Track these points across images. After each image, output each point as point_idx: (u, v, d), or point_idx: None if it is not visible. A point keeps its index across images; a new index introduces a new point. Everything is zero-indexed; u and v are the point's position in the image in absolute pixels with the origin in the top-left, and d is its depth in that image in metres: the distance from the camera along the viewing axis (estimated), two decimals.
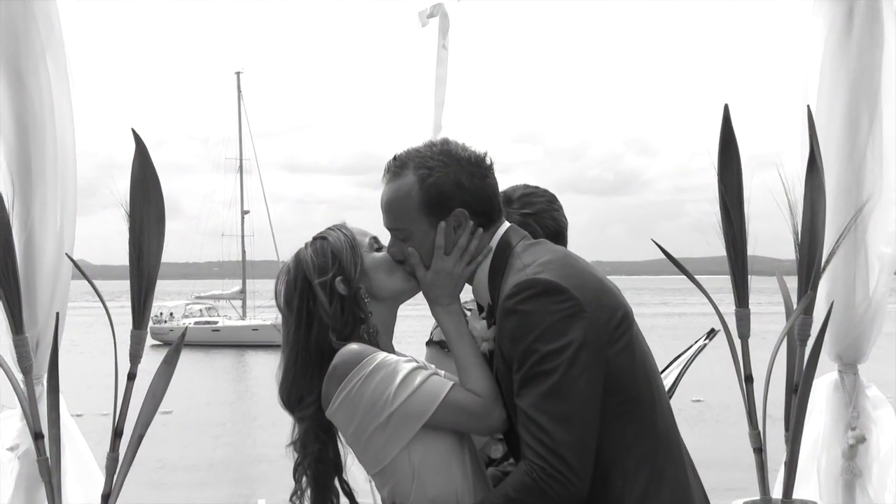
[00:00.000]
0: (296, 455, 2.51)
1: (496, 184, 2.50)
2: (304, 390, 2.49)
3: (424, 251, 2.45)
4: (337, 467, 2.51)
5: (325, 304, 2.47)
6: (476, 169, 2.45)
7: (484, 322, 2.52)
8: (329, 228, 2.59)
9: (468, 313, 2.57)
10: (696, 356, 3.26)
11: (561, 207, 2.98)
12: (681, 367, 3.08)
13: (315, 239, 2.57)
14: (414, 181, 2.43)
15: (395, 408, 2.32)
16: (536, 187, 2.98)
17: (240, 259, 55.62)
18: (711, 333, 3.14)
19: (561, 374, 2.20)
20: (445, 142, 2.48)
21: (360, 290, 2.50)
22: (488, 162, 2.47)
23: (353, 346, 2.40)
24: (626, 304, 2.39)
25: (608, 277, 2.51)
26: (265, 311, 51.65)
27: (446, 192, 2.41)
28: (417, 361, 2.44)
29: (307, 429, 2.49)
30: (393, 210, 2.46)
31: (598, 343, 2.26)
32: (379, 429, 2.34)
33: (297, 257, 2.55)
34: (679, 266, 3.55)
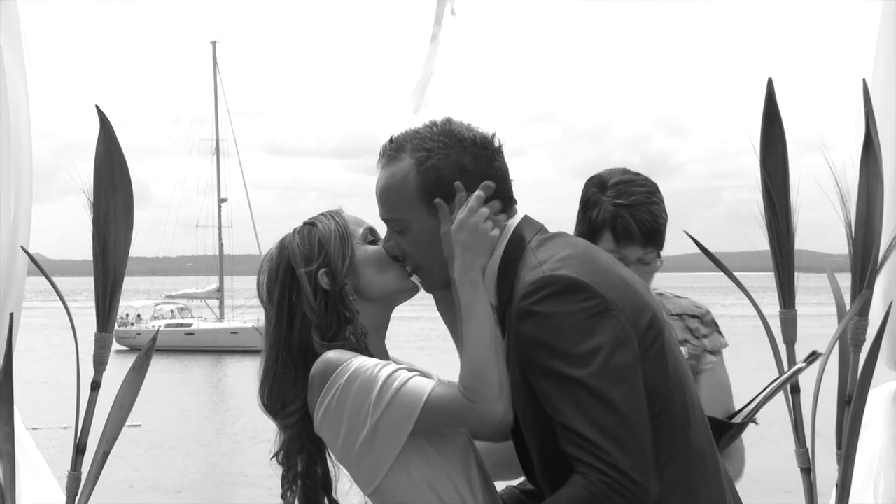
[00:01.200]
0: (281, 467, 2.54)
1: (506, 168, 2.49)
2: (287, 395, 2.50)
3: (424, 245, 2.45)
4: (325, 485, 2.53)
5: (310, 298, 2.48)
6: (482, 151, 2.44)
7: None
8: (321, 214, 2.61)
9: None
10: (790, 379, 3.25)
11: (662, 201, 3.00)
12: (767, 392, 3.09)
13: (304, 225, 2.59)
14: (411, 165, 2.43)
15: (378, 417, 2.33)
16: (637, 174, 3.01)
17: (216, 253, 55.72)
18: (812, 357, 3.13)
19: (597, 380, 2.20)
20: (448, 121, 2.48)
21: (347, 287, 2.51)
22: (496, 144, 2.47)
23: (329, 355, 2.41)
24: (656, 305, 2.39)
25: (635, 275, 2.51)
26: (245, 312, 51.70)
27: (447, 177, 2.41)
28: (400, 363, 2.45)
29: (291, 437, 2.50)
30: (388, 198, 2.46)
31: (631, 344, 2.26)
32: (366, 441, 2.35)
33: (282, 243, 2.57)
34: (716, 261, 3.54)
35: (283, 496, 2.54)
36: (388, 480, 2.37)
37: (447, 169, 2.42)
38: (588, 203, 3.00)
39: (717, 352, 3.15)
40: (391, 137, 2.50)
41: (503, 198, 2.46)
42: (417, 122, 2.54)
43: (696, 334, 3.14)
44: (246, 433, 21.39)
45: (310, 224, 2.57)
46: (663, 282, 3.34)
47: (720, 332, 3.21)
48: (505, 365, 2.35)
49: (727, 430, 2.91)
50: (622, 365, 2.23)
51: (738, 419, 2.99)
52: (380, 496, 2.39)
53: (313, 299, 2.48)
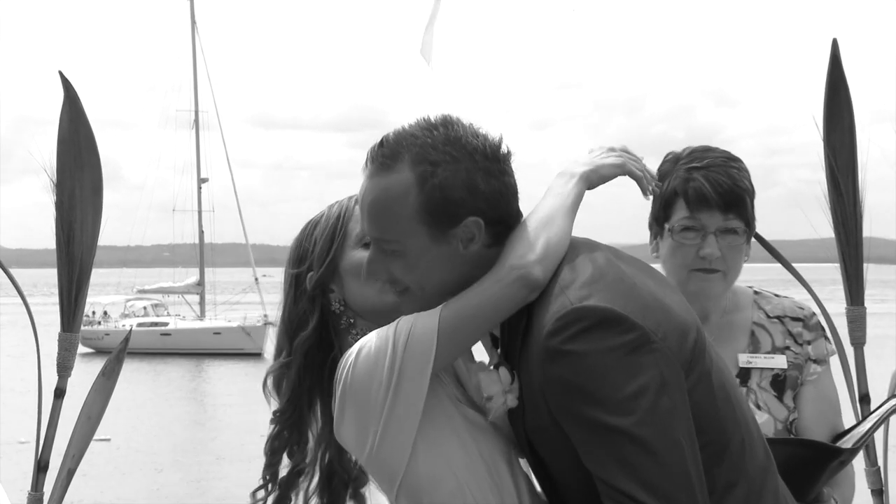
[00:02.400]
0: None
1: (515, 181, 2.46)
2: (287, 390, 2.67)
3: (421, 271, 2.42)
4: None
5: (289, 303, 2.67)
6: (493, 164, 2.41)
7: (493, 373, 2.45)
8: (337, 203, 2.72)
9: (469, 368, 2.55)
10: None
11: (745, 169, 3.03)
12: (884, 411, 3.08)
13: (331, 207, 2.73)
14: (411, 180, 2.38)
15: (399, 362, 2.35)
16: (716, 147, 3.05)
17: (196, 241, 55.80)
18: None
19: (643, 429, 2.18)
20: (449, 123, 2.42)
21: (333, 294, 2.63)
22: (504, 151, 2.44)
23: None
24: (695, 319, 2.39)
25: (670, 281, 2.51)
26: (230, 310, 51.85)
27: (455, 198, 2.37)
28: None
29: (278, 432, 2.68)
30: (380, 216, 2.41)
31: (677, 379, 2.25)
32: (388, 409, 2.36)
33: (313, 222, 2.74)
34: (771, 250, 3.54)
35: (253, 493, 2.70)
36: (422, 468, 2.37)
37: (456, 188, 2.37)
38: (661, 178, 3.03)
39: (822, 360, 3.12)
40: (382, 140, 2.44)
41: (511, 216, 2.44)
42: (431, 79, 2.52)
43: (799, 340, 3.11)
44: (229, 449, 21.45)
45: (315, 218, 2.71)
46: None
47: (827, 338, 3.18)
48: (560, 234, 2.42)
49: (836, 455, 2.89)
50: (670, 408, 2.21)
51: (847, 441, 2.97)
52: (410, 494, 2.40)
53: (293, 304, 2.65)
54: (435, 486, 2.38)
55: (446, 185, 2.37)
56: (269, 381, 2.71)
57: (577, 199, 2.51)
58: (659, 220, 3.06)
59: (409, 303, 2.46)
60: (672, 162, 3.05)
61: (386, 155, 2.41)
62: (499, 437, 2.45)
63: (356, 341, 2.47)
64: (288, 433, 2.70)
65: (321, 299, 2.65)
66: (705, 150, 3.04)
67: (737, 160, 3.03)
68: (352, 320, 2.63)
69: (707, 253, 2.98)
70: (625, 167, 2.60)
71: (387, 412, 2.36)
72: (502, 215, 2.42)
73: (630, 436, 2.17)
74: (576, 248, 2.43)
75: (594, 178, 2.56)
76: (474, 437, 2.42)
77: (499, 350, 2.50)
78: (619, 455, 2.18)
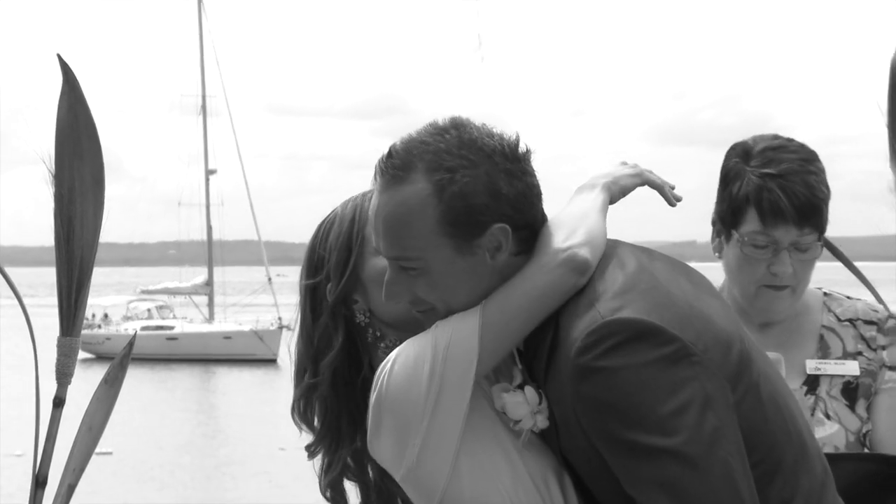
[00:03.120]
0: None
1: (538, 182, 2.46)
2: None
3: (447, 288, 2.41)
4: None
5: (307, 319, 2.64)
6: (514, 165, 2.40)
7: (518, 394, 2.44)
8: (351, 200, 2.69)
9: (491, 390, 2.55)
10: None
11: (821, 171, 2.98)
12: None
13: (331, 215, 2.69)
14: (428, 191, 2.37)
15: (441, 368, 2.35)
16: (790, 140, 3.01)
17: (204, 238, 55.99)
18: None
19: (688, 449, 2.17)
20: (461, 126, 2.41)
21: (357, 305, 2.61)
22: (524, 150, 2.44)
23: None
24: (738, 327, 2.38)
25: (709, 283, 2.50)
26: (241, 312, 51.98)
27: (478, 205, 2.36)
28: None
29: (330, 465, 2.69)
30: (397, 233, 2.40)
31: (723, 393, 2.24)
32: (430, 418, 2.36)
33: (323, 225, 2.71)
34: (832, 249, 3.52)
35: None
36: (464, 496, 2.37)
37: (478, 194, 2.36)
38: (728, 176, 3.01)
39: None
40: (391, 150, 2.43)
41: (537, 220, 2.44)
42: (478, 70, 2.52)
43: (873, 345, 3.09)
44: (240, 464, 21.52)
45: (329, 221, 2.68)
46: None
47: None
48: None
49: None
50: (716, 425, 2.20)
51: None
52: None
53: (312, 320, 2.62)
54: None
55: (467, 192, 2.36)
56: (296, 410, 2.68)
57: (604, 204, 2.54)
58: (726, 223, 3.02)
59: (434, 323, 2.45)
60: (741, 159, 3.00)
61: (397, 166, 2.40)
62: (547, 451, 2.43)
63: (386, 354, 2.47)
64: (338, 459, 2.67)
65: (344, 312, 2.62)
66: (779, 150, 2.97)
67: (813, 161, 2.98)
68: (378, 332, 2.60)
69: (779, 270, 2.96)
70: (643, 176, 2.65)
71: (427, 422, 2.36)
72: (528, 219, 2.42)
73: (674, 457, 2.17)
74: (605, 254, 2.43)
75: (615, 190, 2.59)
76: (521, 452, 2.41)
77: (520, 367, 2.49)
78: (662, 479, 2.18)
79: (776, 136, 3.03)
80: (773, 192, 2.91)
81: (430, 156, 2.38)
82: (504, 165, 2.39)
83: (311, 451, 2.69)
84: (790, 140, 3.01)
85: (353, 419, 2.62)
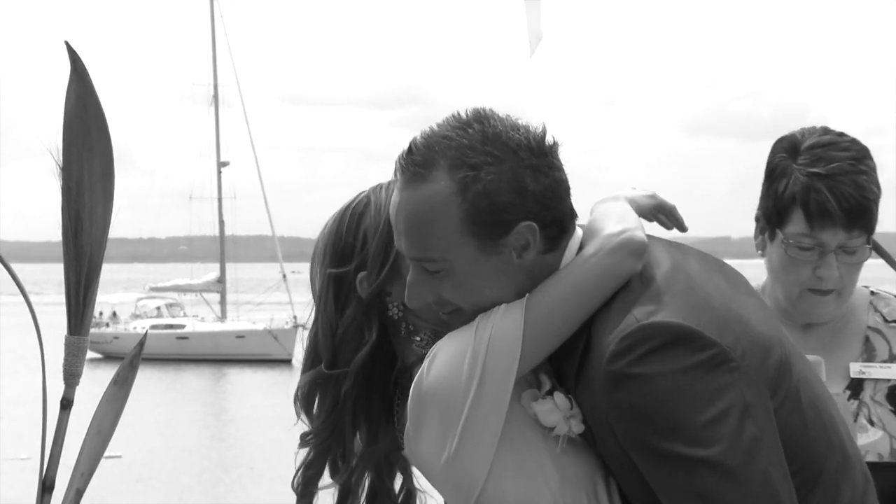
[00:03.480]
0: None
1: (566, 176, 2.44)
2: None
3: (472, 289, 2.40)
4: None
5: (330, 311, 2.60)
6: (540, 160, 2.39)
7: (548, 401, 2.42)
8: (377, 189, 2.64)
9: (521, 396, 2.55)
10: None
11: (873, 170, 2.95)
12: None
13: (355, 203, 2.64)
14: (452, 189, 2.36)
15: (482, 360, 2.35)
16: (841, 135, 2.97)
17: (216, 233, 56.15)
18: None
19: (727, 459, 2.17)
20: (484, 119, 2.40)
21: (389, 298, 2.58)
22: (550, 142, 2.42)
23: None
24: (777, 330, 2.38)
25: (745, 280, 2.49)
26: (254, 310, 52.08)
27: (503, 203, 2.35)
28: None
29: (315, 458, 2.66)
30: (420, 234, 2.40)
31: (762, 400, 2.23)
32: (469, 410, 2.35)
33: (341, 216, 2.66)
34: (880, 251, 3.51)
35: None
36: (507, 498, 2.37)
37: (503, 192, 2.35)
38: (774, 172, 2.98)
39: None
40: (412, 146, 2.41)
41: (565, 216, 2.43)
42: (533, 63, 2.50)
43: None
44: (253, 469, 21.58)
45: (363, 202, 2.62)
46: None
47: None
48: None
49: None
50: (756, 434, 2.20)
51: None
52: None
53: (335, 310, 2.59)
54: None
55: (492, 190, 2.35)
56: (301, 396, 2.68)
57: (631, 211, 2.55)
58: (771, 221, 2.99)
59: (462, 325, 2.44)
60: (789, 156, 2.96)
61: (418, 163, 2.39)
62: (590, 453, 2.42)
63: (420, 348, 2.49)
64: (324, 458, 2.67)
65: (379, 306, 2.58)
66: (829, 147, 2.93)
67: (864, 159, 2.94)
68: (412, 326, 2.57)
69: (825, 274, 2.93)
70: (657, 198, 2.75)
71: (466, 415, 2.35)
72: (556, 215, 2.40)
73: (712, 468, 2.17)
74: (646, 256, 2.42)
75: (634, 207, 2.61)
76: (566, 452, 2.39)
77: (548, 372, 2.47)
78: (700, 491, 2.18)
79: (826, 131, 2.99)
80: (821, 193, 2.87)
81: (453, 152, 2.36)
82: (530, 160, 2.37)
83: (306, 440, 2.68)
84: (841, 135, 2.97)
85: (369, 416, 2.62)
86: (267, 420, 27.63)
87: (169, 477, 21.35)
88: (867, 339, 3.08)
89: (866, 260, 3.00)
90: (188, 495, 19.93)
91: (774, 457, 2.21)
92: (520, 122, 2.41)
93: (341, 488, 2.69)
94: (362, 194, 2.66)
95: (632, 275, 2.35)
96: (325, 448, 2.66)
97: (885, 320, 3.10)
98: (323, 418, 2.65)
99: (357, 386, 2.60)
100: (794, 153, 2.95)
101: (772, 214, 2.98)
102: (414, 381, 2.43)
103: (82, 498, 3.33)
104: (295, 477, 2.71)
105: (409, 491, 2.72)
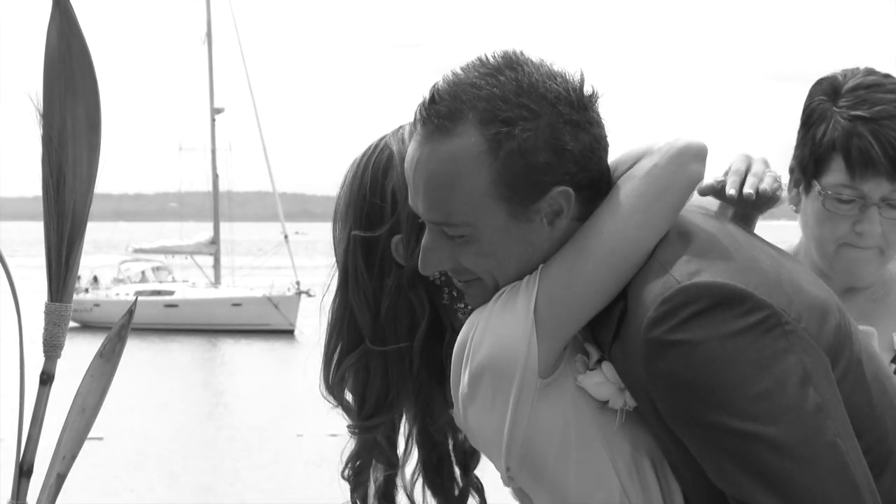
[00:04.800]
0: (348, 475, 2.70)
1: (605, 130, 2.42)
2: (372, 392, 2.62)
3: (497, 259, 2.39)
4: None
5: (361, 274, 2.58)
6: (580, 114, 2.36)
7: (596, 373, 2.42)
8: (398, 133, 2.62)
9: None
10: None
11: None
12: None
13: (376, 153, 2.62)
14: (482, 147, 2.33)
15: (532, 314, 2.34)
16: (887, 76, 2.95)
17: (209, 189, 56.19)
18: None
19: (786, 431, 2.17)
20: (517, 64, 2.35)
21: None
22: (589, 92, 2.39)
23: (464, 328, 2.45)
24: (833, 295, 2.38)
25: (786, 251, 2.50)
26: (251, 274, 52.16)
27: (539, 164, 2.33)
28: None
29: (362, 449, 2.66)
30: (444, 194, 2.37)
31: (822, 367, 2.23)
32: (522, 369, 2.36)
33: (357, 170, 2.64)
34: None
35: None
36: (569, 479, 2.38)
37: (540, 152, 2.32)
38: (812, 117, 2.96)
39: None
40: (434, 94, 2.37)
41: (602, 178, 2.41)
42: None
43: None
44: (248, 450, 21.66)
45: (381, 158, 2.60)
46: None
47: None
48: None
49: None
50: (818, 403, 2.19)
51: None
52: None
53: (369, 278, 2.58)
54: (590, 492, 2.37)
55: (527, 149, 2.32)
56: (335, 380, 2.66)
57: None
58: (806, 171, 2.98)
59: (480, 295, 2.44)
60: (828, 98, 2.93)
61: (442, 114, 2.35)
62: (641, 428, 2.40)
63: (466, 316, 2.47)
64: (373, 444, 2.68)
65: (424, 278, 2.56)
66: (873, 88, 2.91)
67: None
68: (455, 293, 2.55)
69: (865, 229, 2.91)
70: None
71: (521, 378, 2.34)
72: (594, 177, 2.39)
73: (771, 445, 2.16)
74: (685, 218, 2.41)
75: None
76: (621, 428, 2.39)
77: (590, 344, 2.47)
78: (757, 469, 2.17)
79: (870, 72, 2.96)
80: (864, 138, 2.84)
81: (484, 104, 2.33)
82: (570, 115, 2.34)
83: (364, 427, 2.66)
84: (887, 76, 2.95)
85: (423, 393, 2.64)
86: (264, 396, 27.72)
87: (155, 461, 21.44)
88: None
89: None
90: (177, 480, 20.03)
91: (842, 427, 2.20)
92: (555, 68, 2.38)
93: (391, 472, 2.72)
94: (381, 142, 2.63)
95: (699, 180, 2.37)
96: (376, 434, 2.68)
97: None
98: (375, 399, 2.65)
99: (416, 359, 2.60)
100: (834, 95, 2.92)
101: (808, 163, 2.96)
102: (465, 350, 2.41)
103: (64, 483, 3.36)
104: (345, 469, 2.73)
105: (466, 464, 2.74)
